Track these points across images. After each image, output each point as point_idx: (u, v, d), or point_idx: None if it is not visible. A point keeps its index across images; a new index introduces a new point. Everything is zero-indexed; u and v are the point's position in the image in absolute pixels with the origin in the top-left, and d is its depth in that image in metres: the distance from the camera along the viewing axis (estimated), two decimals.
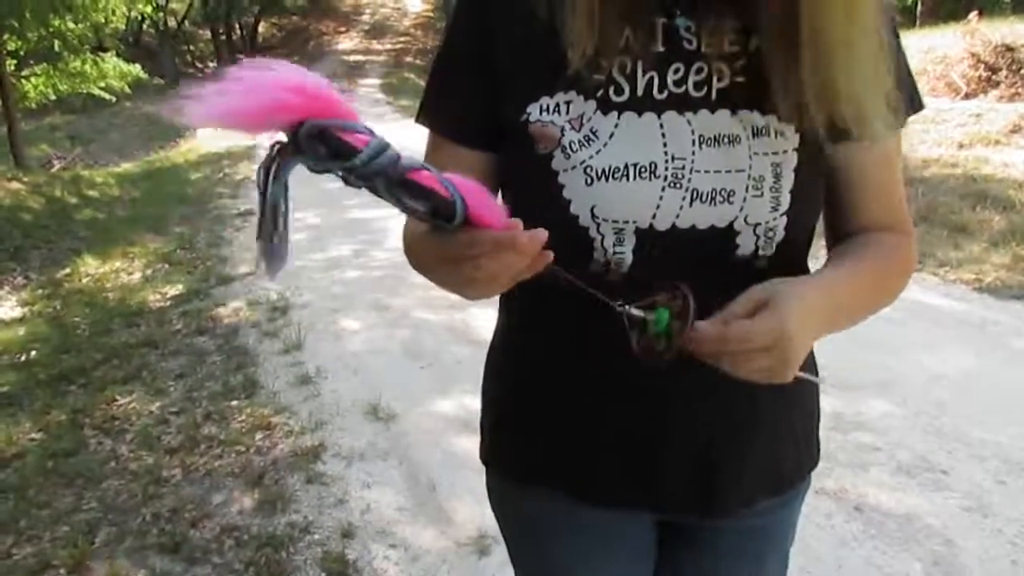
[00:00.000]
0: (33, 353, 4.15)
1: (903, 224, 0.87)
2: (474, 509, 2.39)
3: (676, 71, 0.76)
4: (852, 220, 0.85)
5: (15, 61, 11.71)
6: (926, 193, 5.90)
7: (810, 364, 0.90)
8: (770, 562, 0.97)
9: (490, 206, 0.61)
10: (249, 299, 4.64)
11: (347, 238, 5.87)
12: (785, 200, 0.78)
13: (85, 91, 12.82)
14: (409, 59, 20.46)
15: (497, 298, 0.94)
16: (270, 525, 2.44)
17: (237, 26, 26.01)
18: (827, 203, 0.84)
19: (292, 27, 29.04)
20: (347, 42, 25.63)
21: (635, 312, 0.71)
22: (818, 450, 0.96)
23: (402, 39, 24.97)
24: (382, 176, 0.57)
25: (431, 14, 27.83)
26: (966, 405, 2.86)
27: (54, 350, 4.14)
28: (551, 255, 0.61)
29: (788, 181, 0.77)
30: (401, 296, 4.40)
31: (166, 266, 5.65)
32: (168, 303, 4.79)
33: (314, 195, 7.47)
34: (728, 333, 0.67)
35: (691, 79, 0.76)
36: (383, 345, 3.85)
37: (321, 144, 0.54)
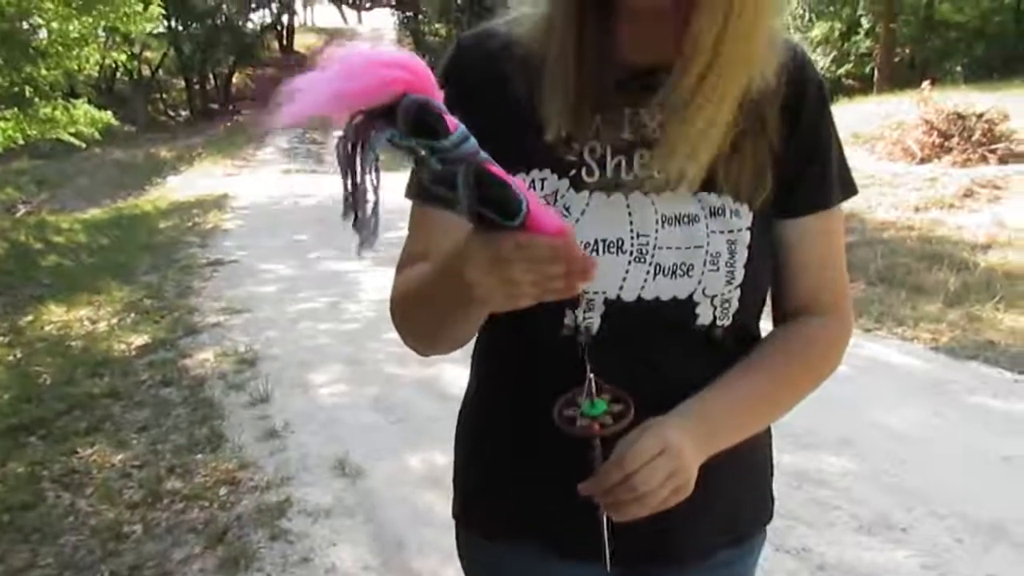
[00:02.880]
0: None
1: (836, 301, 0.92)
2: (441, 567, 2.38)
3: (641, 156, 0.83)
4: (789, 291, 0.91)
5: None
6: (885, 255, 6.08)
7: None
8: None
9: (546, 212, 0.64)
10: (217, 350, 4.60)
11: (319, 291, 5.86)
12: (739, 274, 0.84)
13: (55, 137, 12.76)
14: None
15: (468, 356, 0.98)
16: None
17: (211, 76, 26.17)
18: None
19: (267, 78, 29.26)
20: None
21: (593, 385, 0.78)
22: (772, 503, 1.00)
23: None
24: (464, 161, 0.59)
25: None
26: (924, 462, 2.92)
27: (14, 399, 4.06)
28: (593, 274, 0.66)
29: (742, 257, 0.83)
30: (372, 351, 4.40)
31: (133, 315, 5.58)
32: (134, 353, 4.73)
33: (287, 247, 7.51)
34: (622, 458, 0.76)
35: (655, 164, 0.82)
36: (352, 400, 3.83)
37: (414, 119, 0.56)
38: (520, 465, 0.92)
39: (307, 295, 5.80)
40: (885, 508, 2.63)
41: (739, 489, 0.95)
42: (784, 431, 3.20)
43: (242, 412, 3.71)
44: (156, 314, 5.55)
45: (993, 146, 8.06)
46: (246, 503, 2.87)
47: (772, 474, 1.00)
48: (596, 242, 0.81)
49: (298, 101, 0.57)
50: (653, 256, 0.82)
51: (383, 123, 0.57)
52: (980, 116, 8.29)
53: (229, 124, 21.30)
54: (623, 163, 0.82)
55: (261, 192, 11.48)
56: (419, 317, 0.85)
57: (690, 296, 0.83)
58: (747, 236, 0.83)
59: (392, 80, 0.56)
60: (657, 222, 0.82)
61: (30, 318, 5.86)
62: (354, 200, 0.60)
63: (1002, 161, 7.86)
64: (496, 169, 0.61)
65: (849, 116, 11.05)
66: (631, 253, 0.81)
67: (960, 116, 8.40)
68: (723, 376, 0.85)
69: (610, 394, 0.79)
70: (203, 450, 3.32)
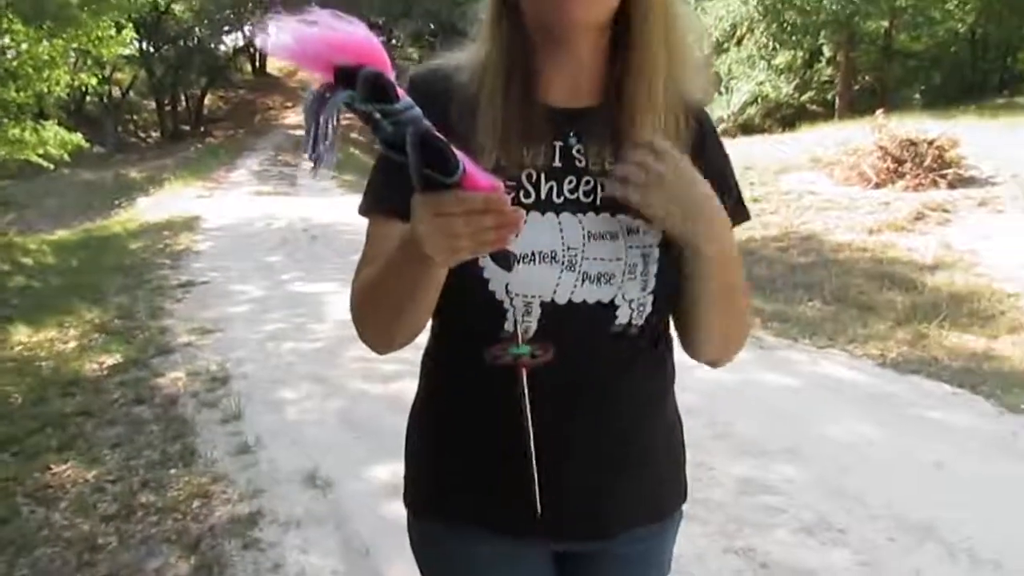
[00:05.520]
0: None
1: None
2: (406, 572, 2.50)
3: (570, 182, 0.99)
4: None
5: None
6: (839, 275, 6.33)
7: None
8: None
9: (480, 172, 0.77)
10: (188, 369, 4.68)
11: (287, 311, 5.96)
12: (652, 282, 1.00)
13: (23, 158, 12.71)
14: (355, 135, 20.94)
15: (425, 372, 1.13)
16: None
17: (183, 97, 26.17)
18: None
19: (239, 100, 29.30)
20: (293, 116, 25.90)
21: (520, 331, 0.96)
22: (686, 489, 1.16)
23: (348, 116, 25.41)
24: (411, 124, 0.72)
25: None
26: (865, 469, 3.11)
27: None
28: (520, 226, 0.79)
29: (654, 267, 1.00)
30: (338, 368, 4.51)
31: (103, 336, 5.63)
32: (105, 372, 4.79)
33: (257, 268, 7.60)
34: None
35: (581, 188, 0.99)
36: (321, 415, 3.94)
37: (371, 85, 0.69)
38: (455, 457, 1.07)
39: (276, 315, 5.89)
40: (825, 511, 2.80)
41: (661, 471, 1.11)
42: (734, 442, 3.38)
43: (214, 428, 3.80)
44: (127, 334, 5.60)
45: (943, 171, 8.40)
46: (219, 515, 2.96)
47: (685, 462, 1.16)
48: (533, 254, 0.96)
49: (286, 35, 0.69)
50: (581, 266, 0.97)
51: (343, 87, 0.70)
52: (931, 143, 8.62)
53: (200, 146, 21.28)
54: (554, 187, 0.99)
55: (232, 214, 11.52)
56: (378, 303, 0.97)
57: (612, 300, 0.99)
58: (657, 252, 1.00)
59: (362, 48, 0.69)
60: (584, 237, 0.98)
61: None
62: (315, 137, 0.72)
63: (951, 186, 8.19)
64: (437, 133, 0.74)
65: (809, 141, 11.42)
66: (563, 263, 0.97)
67: (912, 143, 8.72)
68: None
69: (534, 341, 0.96)
70: (176, 465, 3.40)
